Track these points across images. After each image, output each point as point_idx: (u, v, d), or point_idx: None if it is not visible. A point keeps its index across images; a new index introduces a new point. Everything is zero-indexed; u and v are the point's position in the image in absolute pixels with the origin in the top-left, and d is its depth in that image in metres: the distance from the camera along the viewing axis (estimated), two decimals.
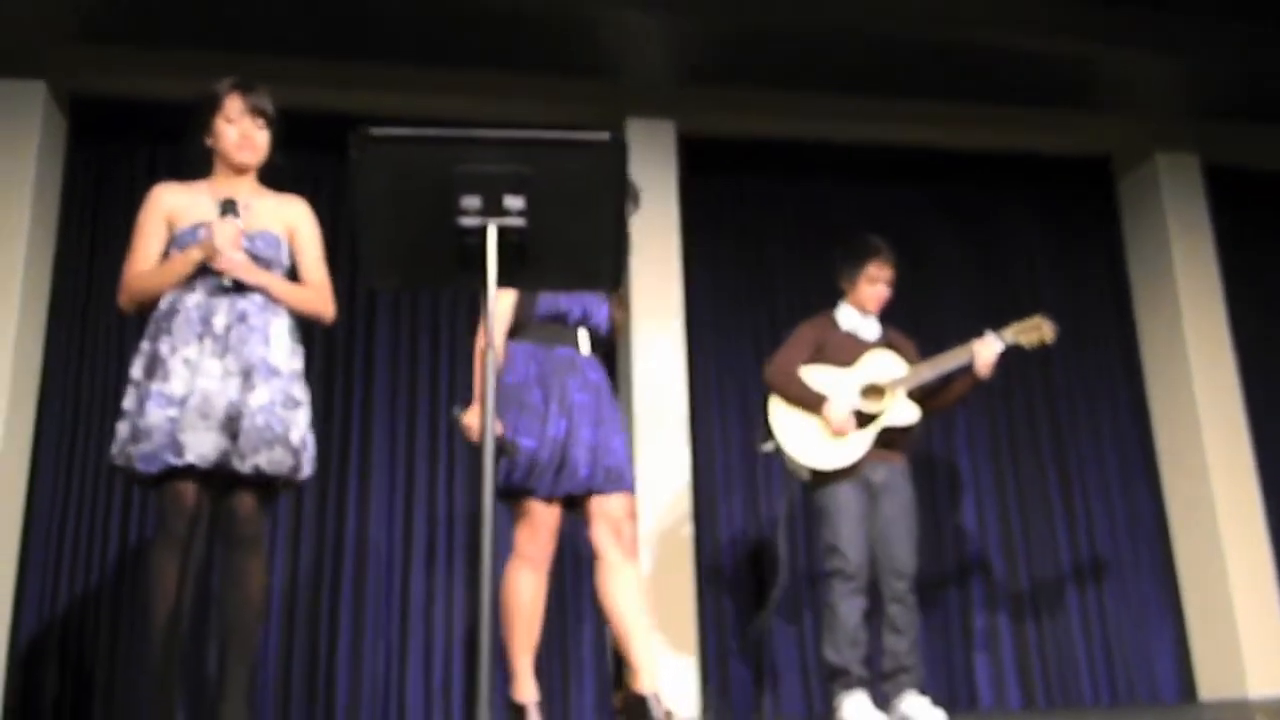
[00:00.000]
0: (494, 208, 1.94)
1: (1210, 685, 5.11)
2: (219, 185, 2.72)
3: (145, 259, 2.65)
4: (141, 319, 2.66)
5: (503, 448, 2.78)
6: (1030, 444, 5.43)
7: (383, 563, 4.64)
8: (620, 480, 2.94)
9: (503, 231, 1.94)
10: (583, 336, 3.03)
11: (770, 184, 5.55)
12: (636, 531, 2.99)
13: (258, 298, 2.62)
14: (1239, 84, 5.36)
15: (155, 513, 2.51)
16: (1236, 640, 4.99)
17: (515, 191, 1.94)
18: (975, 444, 5.36)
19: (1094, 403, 5.55)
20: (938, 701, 3.80)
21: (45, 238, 4.65)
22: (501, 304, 2.95)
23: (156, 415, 2.45)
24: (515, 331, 2.99)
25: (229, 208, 2.59)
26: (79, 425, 4.56)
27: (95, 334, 4.67)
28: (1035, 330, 3.83)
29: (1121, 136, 5.72)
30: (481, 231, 1.94)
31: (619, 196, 2.00)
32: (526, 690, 2.85)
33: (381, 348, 4.90)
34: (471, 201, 1.94)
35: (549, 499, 2.87)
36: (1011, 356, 3.97)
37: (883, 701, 3.75)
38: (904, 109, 5.42)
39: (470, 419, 2.92)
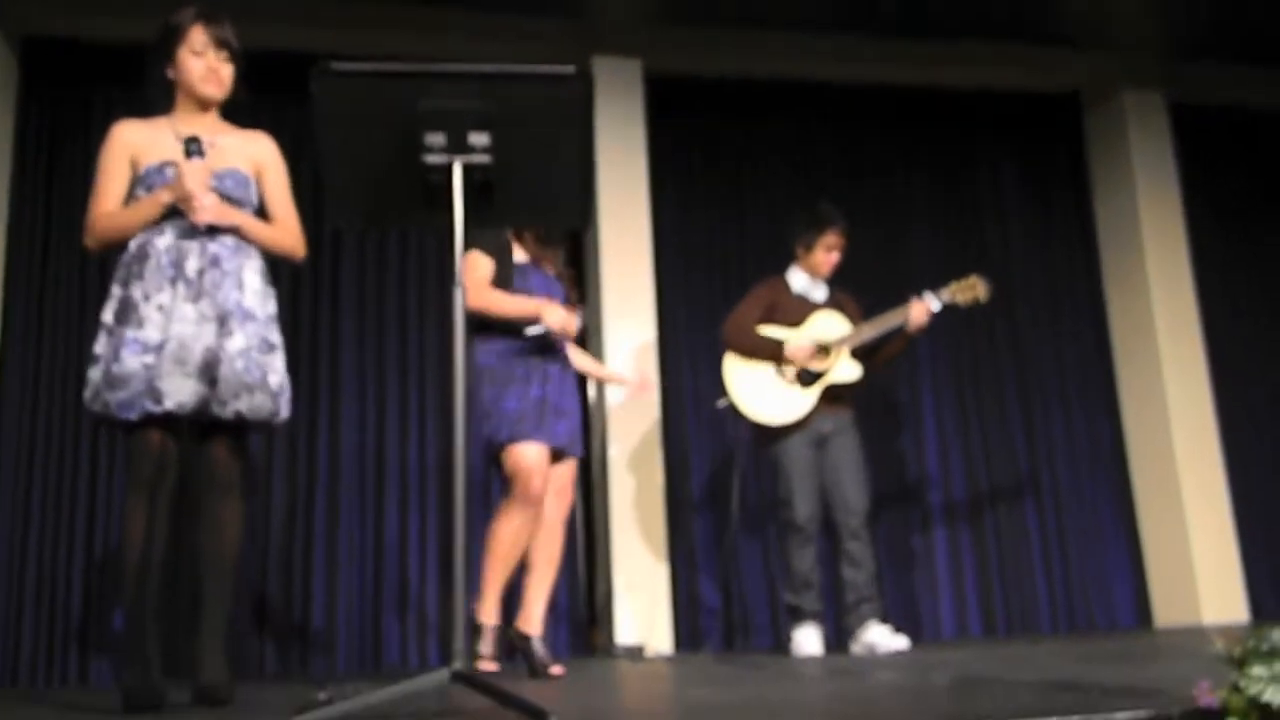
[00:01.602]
0: (459, 144, 1.92)
1: (1166, 612, 5.27)
2: (182, 121, 2.63)
3: (110, 199, 2.55)
4: (103, 261, 2.61)
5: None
6: (992, 374, 5.52)
7: (355, 499, 4.66)
8: (575, 445, 3.32)
9: (468, 169, 1.93)
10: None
11: (738, 124, 5.52)
12: (575, 496, 3.39)
13: (229, 240, 2.55)
14: (1207, 22, 5.37)
15: (129, 463, 2.46)
16: (1191, 568, 5.13)
17: (480, 128, 1.92)
18: (938, 374, 5.44)
19: (1057, 335, 5.64)
20: (900, 630, 3.92)
21: None
22: (487, 271, 3.27)
23: (132, 362, 2.40)
24: (484, 329, 3.26)
25: (193, 147, 2.48)
26: (40, 369, 4.51)
27: (55, 277, 4.60)
28: (970, 290, 4.02)
29: (1089, 73, 5.73)
30: (447, 169, 1.93)
31: (586, 132, 1.99)
32: (490, 614, 3.14)
33: (347, 285, 4.87)
34: (436, 139, 1.92)
35: (540, 441, 3.16)
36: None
37: (847, 633, 3.90)
38: (873, 47, 5.40)
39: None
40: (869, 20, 5.23)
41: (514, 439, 3.15)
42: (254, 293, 2.57)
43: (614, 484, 4.68)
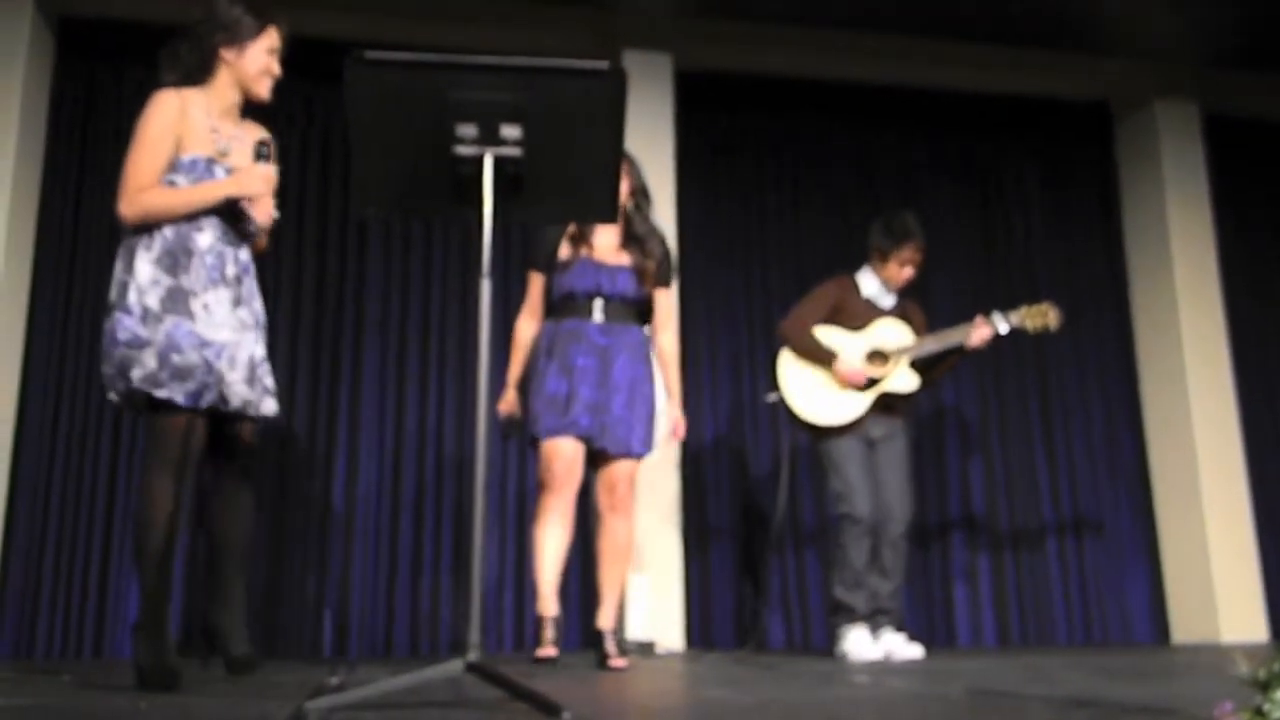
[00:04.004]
0: (490, 136, 1.92)
1: (1184, 629, 5.22)
2: (215, 105, 2.63)
3: (155, 171, 2.51)
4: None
5: (508, 429, 3.41)
6: (1016, 386, 5.48)
7: (373, 482, 4.68)
8: (617, 441, 3.27)
9: (499, 161, 1.93)
10: (597, 306, 3.33)
11: (767, 121, 5.50)
12: (632, 489, 3.35)
13: (247, 249, 2.63)
14: (1241, 32, 5.31)
15: (156, 443, 2.47)
16: (1211, 585, 5.08)
17: (512, 120, 1.92)
18: (962, 386, 5.40)
19: (1080, 346, 5.58)
20: (916, 638, 3.90)
21: (33, 158, 4.60)
22: (532, 292, 3.43)
23: (193, 355, 2.44)
24: (546, 312, 3.41)
25: (264, 150, 2.55)
26: (66, 344, 4.56)
27: (84, 255, 4.64)
28: (1041, 316, 3.95)
29: (1121, 82, 5.67)
30: (477, 161, 1.93)
31: (617, 128, 1.98)
32: (547, 607, 3.28)
33: (373, 277, 4.88)
34: (467, 130, 1.92)
35: (556, 434, 3.24)
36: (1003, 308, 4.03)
37: None
38: (904, 48, 5.36)
39: (501, 405, 3.43)
40: (900, 21, 5.20)
41: (535, 435, 3.28)
42: (261, 301, 2.69)
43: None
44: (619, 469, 3.31)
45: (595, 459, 3.33)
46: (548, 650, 3.20)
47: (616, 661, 3.20)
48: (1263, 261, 5.88)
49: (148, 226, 2.49)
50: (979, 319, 3.91)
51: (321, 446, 4.67)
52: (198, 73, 2.63)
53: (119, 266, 2.52)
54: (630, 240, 3.40)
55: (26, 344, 4.50)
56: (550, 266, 3.38)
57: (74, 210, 4.69)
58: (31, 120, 4.58)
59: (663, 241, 3.47)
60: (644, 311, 3.43)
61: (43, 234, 4.62)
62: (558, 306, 3.36)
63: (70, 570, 4.36)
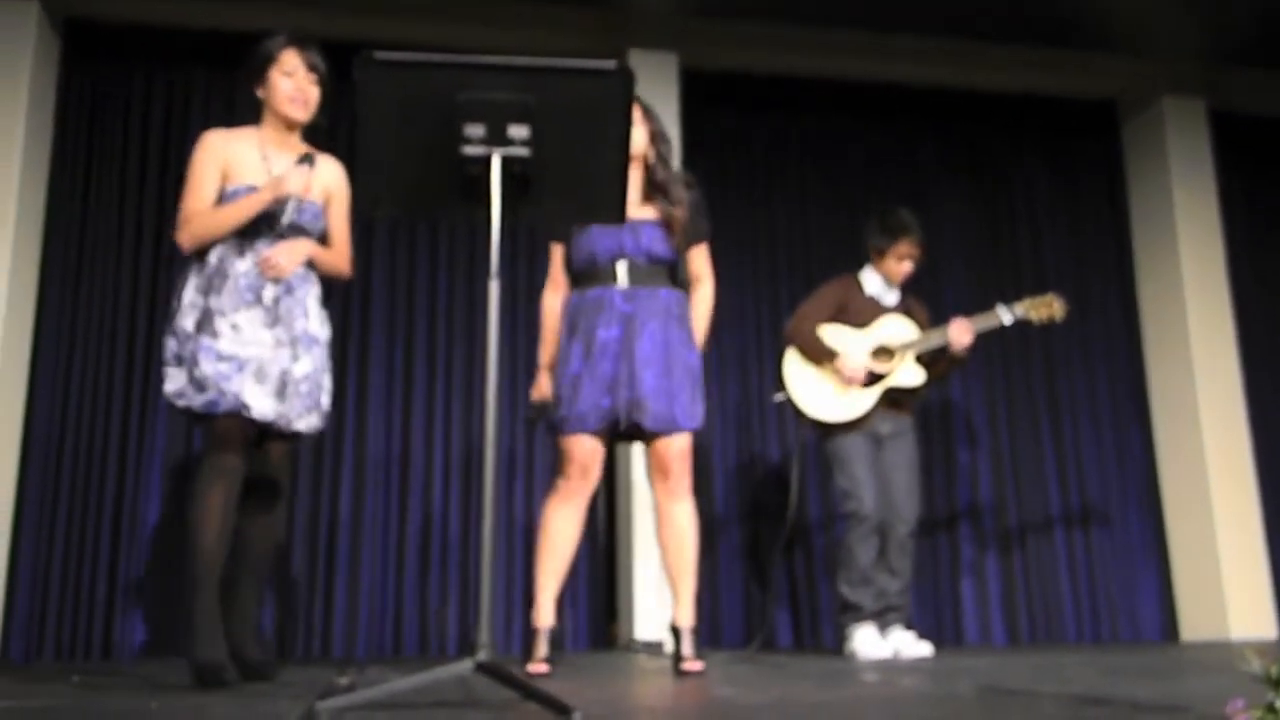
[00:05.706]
0: (498, 136, 1.93)
1: (1193, 626, 5.21)
2: (267, 138, 2.78)
3: (203, 199, 2.69)
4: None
5: (536, 414, 3.11)
6: (1023, 383, 5.47)
7: (380, 480, 4.68)
8: (657, 416, 2.92)
9: (506, 161, 1.93)
10: (621, 269, 3.01)
11: (774, 120, 5.49)
12: (686, 468, 3.01)
13: (299, 269, 2.74)
14: (1247, 29, 5.29)
15: (204, 451, 2.63)
16: (1220, 583, 5.07)
17: (520, 120, 1.93)
18: (969, 382, 5.39)
19: (1089, 344, 5.57)
20: (925, 636, 3.90)
21: (39, 159, 4.61)
22: (554, 264, 3.17)
23: (209, 368, 2.56)
24: (570, 284, 3.12)
25: (307, 161, 2.69)
26: (75, 343, 4.57)
27: (92, 254, 4.65)
28: (1046, 307, 3.95)
29: (1129, 79, 5.66)
30: (485, 161, 1.93)
31: (625, 128, 1.98)
32: (543, 617, 3.00)
33: (379, 282, 4.89)
34: (475, 130, 1.92)
35: (572, 433, 2.96)
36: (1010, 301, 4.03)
37: None
38: (911, 46, 5.35)
39: (534, 390, 3.15)
40: (909, 19, 5.19)
41: (555, 423, 3.00)
42: (315, 318, 2.78)
43: (635, 478, 4.68)
44: (668, 447, 2.96)
45: (635, 436, 3.01)
46: (539, 666, 2.88)
47: (691, 664, 2.88)
48: (1270, 256, 5.86)
49: (200, 253, 2.67)
50: (954, 318, 3.88)
51: (330, 445, 4.67)
52: (252, 117, 2.81)
53: (175, 293, 2.71)
54: (653, 189, 3.06)
55: (34, 345, 4.51)
56: (569, 233, 3.09)
57: (81, 209, 4.70)
58: (38, 121, 4.58)
59: (692, 186, 3.11)
60: (675, 271, 3.09)
61: (50, 233, 4.63)
62: (580, 275, 3.05)
63: (79, 572, 4.37)
